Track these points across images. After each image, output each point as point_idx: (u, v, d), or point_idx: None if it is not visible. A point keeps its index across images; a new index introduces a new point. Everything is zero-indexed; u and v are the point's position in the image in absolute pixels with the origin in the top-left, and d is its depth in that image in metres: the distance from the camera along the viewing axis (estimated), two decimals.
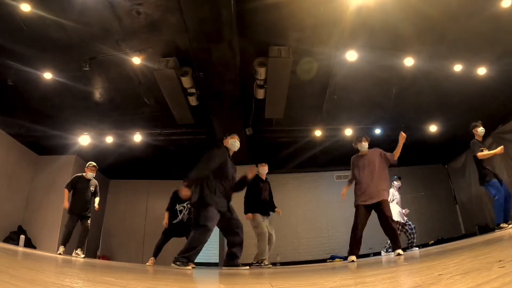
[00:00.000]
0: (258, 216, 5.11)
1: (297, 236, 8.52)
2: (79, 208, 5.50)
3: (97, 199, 5.74)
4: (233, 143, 3.95)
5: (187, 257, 3.31)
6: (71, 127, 6.99)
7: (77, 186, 5.60)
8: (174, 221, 5.48)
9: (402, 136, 4.37)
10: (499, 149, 4.82)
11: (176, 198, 5.55)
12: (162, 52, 5.20)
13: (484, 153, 4.92)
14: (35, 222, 6.93)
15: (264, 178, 5.42)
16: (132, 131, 7.22)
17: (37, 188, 7.27)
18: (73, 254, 5.33)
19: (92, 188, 5.74)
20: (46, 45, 4.97)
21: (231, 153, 3.92)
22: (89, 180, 5.75)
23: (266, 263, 5.07)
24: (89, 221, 5.60)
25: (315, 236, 8.59)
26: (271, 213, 5.38)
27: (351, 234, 4.34)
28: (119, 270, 2.67)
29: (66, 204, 5.39)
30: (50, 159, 7.58)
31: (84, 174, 5.76)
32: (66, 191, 5.51)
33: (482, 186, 5.07)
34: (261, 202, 5.21)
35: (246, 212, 5.13)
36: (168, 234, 5.51)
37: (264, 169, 5.43)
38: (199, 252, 3.41)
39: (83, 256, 5.34)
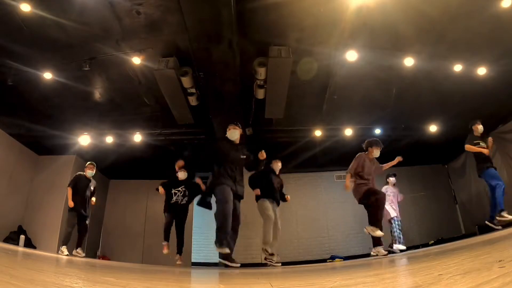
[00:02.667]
0: (266, 201, 5.24)
1: (297, 236, 8.52)
2: (78, 206, 5.58)
3: (93, 198, 5.95)
4: (230, 134, 4.32)
5: (218, 239, 3.77)
6: (71, 127, 6.99)
7: (78, 185, 5.70)
8: (171, 202, 5.76)
9: (399, 159, 5.01)
10: (485, 151, 5.22)
11: (172, 183, 5.87)
12: (162, 52, 5.20)
13: (470, 146, 5.29)
14: (35, 222, 6.92)
15: (277, 173, 5.65)
16: (132, 131, 7.22)
17: (37, 188, 7.26)
18: (74, 253, 5.42)
19: (92, 187, 5.87)
20: (46, 45, 4.96)
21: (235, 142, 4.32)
22: (89, 179, 5.87)
23: (275, 260, 5.07)
24: (87, 221, 5.72)
25: (315, 236, 8.58)
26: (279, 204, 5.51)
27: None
28: (119, 270, 2.67)
29: (71, 203, 5.50)
30: (50, 159, 7.58)
31: (84, 173, 5.86)
32: (69, 189, 5.61)
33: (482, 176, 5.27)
34: (271, 191, 5.37)
35: (253, 188, 5.33)
36: (169, 212, 5.74)
37: (277, 165, 5.67)
38: (227, 229, 3.81)
39: (83, 255, 5.46)
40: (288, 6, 4.47)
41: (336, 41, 5.08)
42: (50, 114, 6.60)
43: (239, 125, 4.38)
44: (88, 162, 5.98)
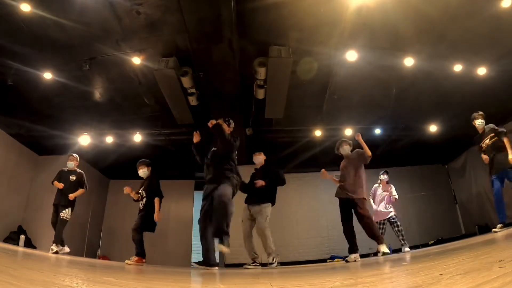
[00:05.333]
0: (243, 211, 4.72)
1: (297, 236, 8.51)
2: (56, 199, 5.19)
3: (79, 190, 5.32)
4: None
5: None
6: (71, 127, 6.99)
7: (60, 180, 5.26)
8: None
9: (358, 136, 4.56)
10: (485, 158, 4.67)
11: None
12: (162, 52, 5.21)
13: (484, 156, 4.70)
14: (35, 222, 6.91)
15: (258, 167, 4.98)
16: (132, 131, 7.22)
17: (37, 188, 7.25)
18: (49, 251, 4.87)
19: (72, 178, 5.31)
20: (46, 45, 4.97)
21: None
22: (70, 171, 5.38)
23: (252, 263, 4.58)
24: (64, 212, 5.10)
25: (315, 236, 8.58)
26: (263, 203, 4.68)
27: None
28: (119, 270, 2.67)
29: (72, 196, 5.17)
30: (50, 159, 7.56)
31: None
32: (55, 183, 5.19)
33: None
34: (249, 190, 4.73)
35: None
36: None
37: (256, 158, 4.98)
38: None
39: (55, 250, 4.82)
40: (288, 6, 4.48)
41: (336, 41, 5.08)
42: (50, 114, 6.60)
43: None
44: (68, 153, 5.58)
